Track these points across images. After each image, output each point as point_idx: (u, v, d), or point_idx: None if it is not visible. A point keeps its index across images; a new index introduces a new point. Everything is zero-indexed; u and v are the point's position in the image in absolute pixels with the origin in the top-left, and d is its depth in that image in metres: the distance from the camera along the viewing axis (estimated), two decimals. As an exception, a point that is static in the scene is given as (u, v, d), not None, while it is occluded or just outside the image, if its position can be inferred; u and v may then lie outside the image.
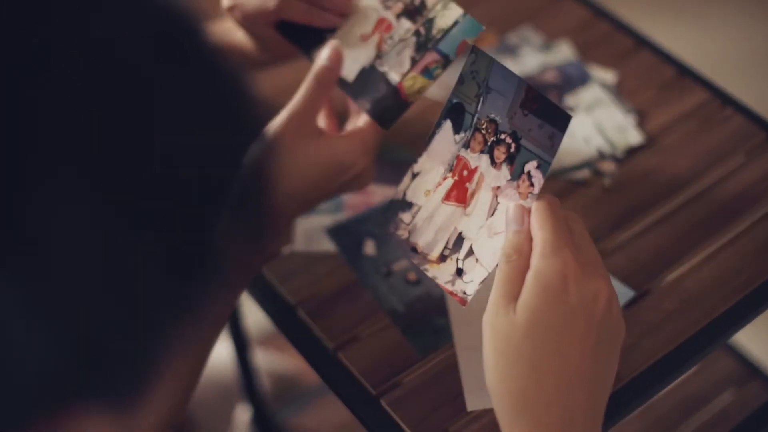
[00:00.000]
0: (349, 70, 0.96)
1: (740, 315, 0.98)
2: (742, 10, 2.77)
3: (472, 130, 0.86)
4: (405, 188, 0.90)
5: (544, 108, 0.81)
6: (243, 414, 1.64)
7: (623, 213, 1.07)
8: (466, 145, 0.87)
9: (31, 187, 0.40)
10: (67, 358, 0.42)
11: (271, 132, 0.92)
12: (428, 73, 0.93)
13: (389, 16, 0.96)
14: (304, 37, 0.99)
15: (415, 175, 0.90)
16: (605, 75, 1.22)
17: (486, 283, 0.82)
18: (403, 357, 0.97)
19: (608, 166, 1.12)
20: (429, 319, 0.99)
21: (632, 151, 1.13)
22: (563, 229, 0.77)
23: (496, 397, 0.76)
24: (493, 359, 0.76)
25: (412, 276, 1.02)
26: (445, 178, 0.88)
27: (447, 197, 0.88)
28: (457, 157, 0.87)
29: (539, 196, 0.80)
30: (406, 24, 0.95)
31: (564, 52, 1.26)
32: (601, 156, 1.12)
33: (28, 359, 0.41)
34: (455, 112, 0.87)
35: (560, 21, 1.31)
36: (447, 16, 0.93)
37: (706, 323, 0.96)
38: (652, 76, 1.23)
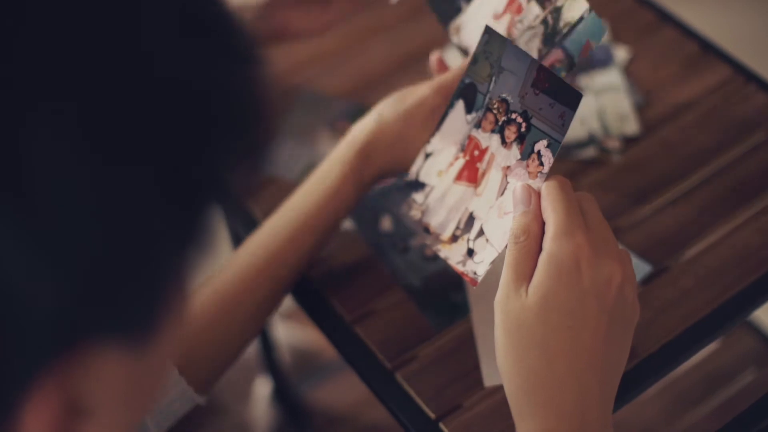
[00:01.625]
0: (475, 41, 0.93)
1: (758, 293, 0.97)
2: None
3: (483, 109, 0.86)
4: (418, 169, 0.90)
5: (556, 87, 0.81)
6: (263, 387, 1.65)
7: (643, 189, 1.06)
8: (478, 125, 0.87)
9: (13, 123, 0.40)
10: (72, 294, 0.42)
11: (411, 96, 0.93)
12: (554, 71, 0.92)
13: None
14: (442, 7, 0.99)
15: (427, 156, 0.90)
16: (621, 53, 1.21)
17: (500, 262, 0.82)
18: (419, 332, 0.97)
19: (613, 143, 1.11)
20: (445, 295, 0.99)
21: (653, 127, 1.13)
22: (575, 211, 0.76)
23: (507, 379, 0.76)
24: (504, 341, 0.76)
25: (429, 252, 1.02)
26: (456, 158, 0.88)
27: (458, 177, 0.88)
28: (469, 137, 0.87)
29: (550, 177, 0.79)
30: (535, 9, 0.91)
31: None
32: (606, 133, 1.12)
33: (33, 298, 0.41)
34: (467, 92, 0.87)
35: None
36: (574, 8, 0.89)
37: (723, 301, 0.96)
38: (675, 51, 1.22)
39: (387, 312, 0.99)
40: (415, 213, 0.89)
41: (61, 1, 0.42)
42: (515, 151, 0.83)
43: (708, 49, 1.21)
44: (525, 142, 0.83)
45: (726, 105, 1.15)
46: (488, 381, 0.93)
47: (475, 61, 0.86)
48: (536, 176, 0.81)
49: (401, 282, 1.00)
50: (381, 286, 1.01)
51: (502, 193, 0.84)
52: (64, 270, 0.41)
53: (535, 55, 0.91)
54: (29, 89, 0.40)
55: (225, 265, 0.94)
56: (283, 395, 1.65)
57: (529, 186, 0.80)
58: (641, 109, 1.15)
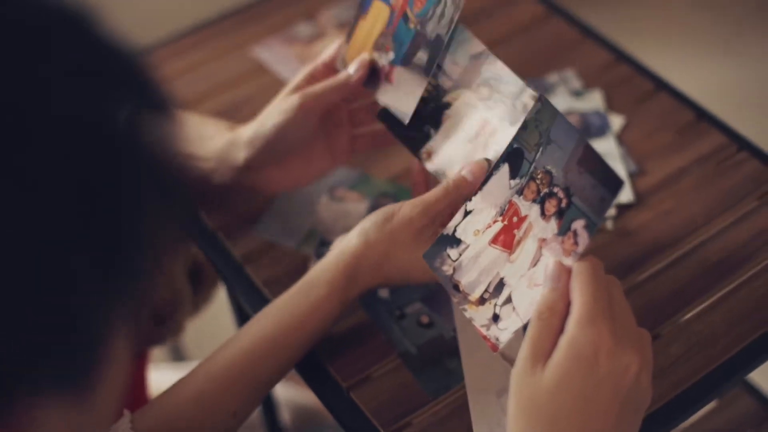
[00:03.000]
0: (452, 171, 0.96)
1: (748, 360, 0.98)
2: (762, 52, 2.78)
3: (527, 177, 0.87)
4: (456, 224, 0.90)
5: (600, 169, 0.81)
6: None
7: (636, 256, 1.08)
8: (520, 192, 0.87)
9: None
10: (9, 352, 0.44)
11: (396, 216, 0.94)
12: None
13: (493, 117, 0.95)
14: (409, 134, 1.00)
15: (467, 213, 0.90)
16: (617, 121, 1.24)
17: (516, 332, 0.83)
18: (414, 398, 0.99)
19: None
20: (440, 362, 1.01)
21: (647, 194, 1.15)
22: (602, 296, 0.78)
23: None
24: (515, 412, 0.77)
25: (424, 319, 1.04)
26: (495, 221, 0.88)
27: (494, 240, 0.88)
28: (510, 202, 0.88)
29: (583, 257, 0.80)
30: (510, 129, 0.92)
31: (594, 100, 1.27)
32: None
33: None
34: (514, 157, 0.87)
35: (590, 64, 1.33)
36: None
37: (712, 368, 0.97)
38: (670, 119, 1.24)
39: (383, 378, 1.01)
40: (447, 269, 0.90)
41: None
42: (553, 224, 0.84)
43: (702, 117, 1.24)
44: (564, 218, 0.83)
45: (719, 172, 1.17)
46: (482, 447, 0.94)
47: (525, 127, 0.87)
48: (570, 254, 0.81)
49: (397, 349, 1.02)
50: (377, 353, 1.03)
51: (535, 264, 0.85)
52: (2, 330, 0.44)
53: None
54: None
55: (204, 364, 0.95)
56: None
57: (561, 264, 0.81)
58: (635, 176, 1.17)
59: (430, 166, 0.98)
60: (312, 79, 1.04)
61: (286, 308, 0.95)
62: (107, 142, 0.48)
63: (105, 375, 0.50)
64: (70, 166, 0.46)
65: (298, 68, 1.28)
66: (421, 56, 0.98)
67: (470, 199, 0.89)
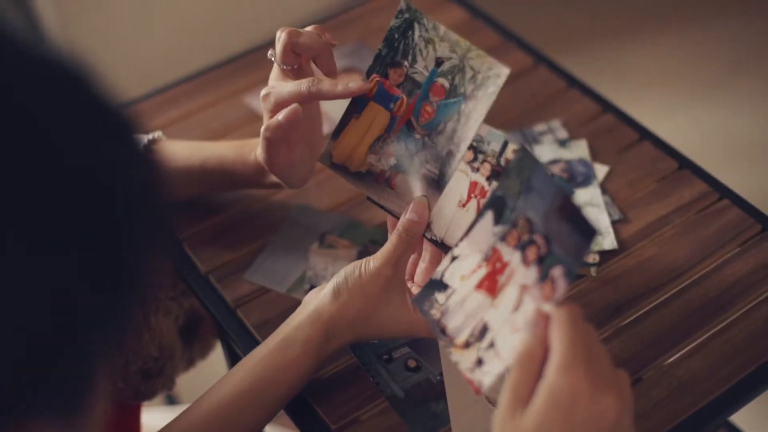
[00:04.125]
0: (453, 237, 0.98)
1: (729, 403, 1.01)
2: (743, 101, 2.82)
3: (509, 225, 0.88)
4: (444, 269, 0.93)
5: (576, 218, 0.82)
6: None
7: (619, 302, 1.11)
8: (503, 238, 0.89)
9: None
10: (8, 374, 0.47)
11: (364, 272, 0.98)
12: None
13: (480, 179, 0.98)
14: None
15: (454, 258, 0.92)
16: (601, 170, 1.27)
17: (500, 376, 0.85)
18: (401, 440, 1.01)
19: (591, 257, 1.16)
20: (427, 405, 1.03)
21: (630, 241, 1.17)
22: (581, 343, 0.78)
23: None
24: None
25: (411, 363, 1.06)
26: (479, 267, 0.90)
27: (479, 286, 0.90)
28: (494, 248, 0.89)
29: (563, 304, 0.81)
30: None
31: (580, 149, 1.31)
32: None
33: None
34: (497, 204, 0.89)
35: (576, 114, 1.36)
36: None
37: (694, 411, 0.99)
38: (653, 168, 1.27)
39: (371, 421, 1.03)
40: (435, 312, 0.92)
41: None
42: (534, 271, 0.85)
43: (684, 166, 1.27)
44: (543, 264, 0.84)
45: (701, 220, 1.19)
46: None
47: (507, 175, 0.89)
48: (549, 300, 0.82)
49: (385, 391, 1.04)
50: (366, 396, 1.05)
51: (517, 310, 0.86)
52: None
53: None
54: None
55: (182, 417, 0.99)
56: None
57: (541, 310, 0.82)
58: (619, 224, 1.20)
59: (429, 235, 1.00)
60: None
61: (264, 363, 0.99)
62: (103, 185, 0.52)
63: (95, 399, 0.53)
64: (71, 209, 0.50)
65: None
66: (431, 169, 1.00)
67: (457, 245, 0.92)
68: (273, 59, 1.05)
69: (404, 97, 1.00)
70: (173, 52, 2.66)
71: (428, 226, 0.99)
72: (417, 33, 0.98)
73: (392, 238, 0.98)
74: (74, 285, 0.50)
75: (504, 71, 0.95)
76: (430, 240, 0.99)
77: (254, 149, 1.14)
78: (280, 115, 1.02)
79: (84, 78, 0.53)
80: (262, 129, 1.04)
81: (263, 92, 1.04)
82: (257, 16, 2.74)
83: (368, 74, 1.01)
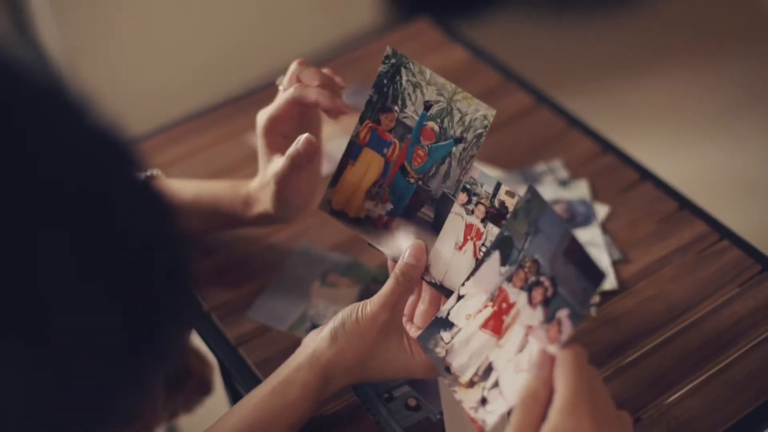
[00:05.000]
0: (454, 282, 0.98)
1: (728, 445, 1.01)
2: (744, 139, 2.83)
3: (516, 265, 0.89)
4: (449, 308, 0.93)
5: (583, 261, 0.83)
6: None
7: (618, 342, 1.11)
8: (509, 279, 0.89)
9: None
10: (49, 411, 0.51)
11: (361, 316, 0.98)
12: None
13: (475, 221, 0.98)
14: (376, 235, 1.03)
15: (460, 297, 0.93)
16: (601, 210, 1.28)
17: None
18: (401, 479, 1.01)
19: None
20: (427, 443, 1.03)
21: (630, 282, 1.18)
22: (584, 386, 0.79)
23: None
24: None
25: (412, 402, 1.07)
26: (485, 306, 0.91)
27: (484, 325, 0.91)
28: (500, 289, 0.90)
29: (568, 346, 0.81)
30: (494, 230, 0.96)
31: (580, 189, 1.32)
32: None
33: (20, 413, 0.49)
34: (504, 245, 0.90)
35: (576, 154, 1.37)
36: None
37: (692, 453, 1.00)
38: (653, 208, 1.28)
39: (371, 460, 1.03)
40: (440, 351, 0.93)
41: None
42: (539, 312, 0.85)
43: (684, 206, 1.27)
44: (549, 306, 0.85)
45: (700, 260, 1.20)
46: None
47: (515, 216, 0.90)
48: (554, 342, 0.83)
49: (385, 430, 1.04)
50: (366, 435, 1.05)
51: (521, 350, 0.87)
52: (52, 390, 0.50)
53: None
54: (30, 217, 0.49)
55: None
56: None
57: (545, 352, 0.82)
58: (619, 264, 1.20)
59: (427, 278, 1.00)
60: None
61: (262, 406, 0.99)
62: (112, 211, 0.54)
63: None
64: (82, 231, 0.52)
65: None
66: (427, 212, 1.01)
67: (464, 284, 0.92)
68: (280, 87, 1.08)
69: (396, 141, 1.01)
70: (177, 91, 2.68)
71: (427, 269, 0.99)
72: (404, 78, 1.00)
73: (390, 282, 0.98)
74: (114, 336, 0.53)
75: (490, 112, 0.97)
76: (430, 283, 0.99)
77: (247, 185, 1.16)
78: (300, 144, 1.05)
79: (82, 108, 0.55)
80: (291, 149, 1.06)
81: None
82: (260, 56, 2.75)
83: (361, 120, 1.02)
